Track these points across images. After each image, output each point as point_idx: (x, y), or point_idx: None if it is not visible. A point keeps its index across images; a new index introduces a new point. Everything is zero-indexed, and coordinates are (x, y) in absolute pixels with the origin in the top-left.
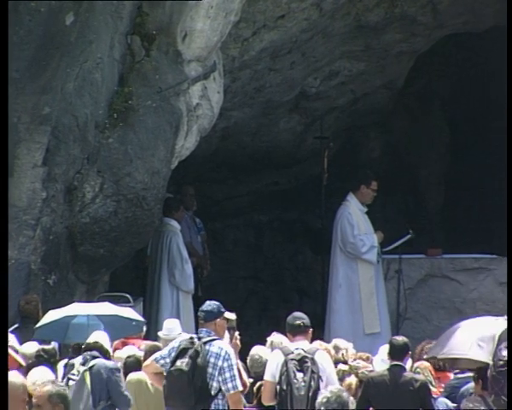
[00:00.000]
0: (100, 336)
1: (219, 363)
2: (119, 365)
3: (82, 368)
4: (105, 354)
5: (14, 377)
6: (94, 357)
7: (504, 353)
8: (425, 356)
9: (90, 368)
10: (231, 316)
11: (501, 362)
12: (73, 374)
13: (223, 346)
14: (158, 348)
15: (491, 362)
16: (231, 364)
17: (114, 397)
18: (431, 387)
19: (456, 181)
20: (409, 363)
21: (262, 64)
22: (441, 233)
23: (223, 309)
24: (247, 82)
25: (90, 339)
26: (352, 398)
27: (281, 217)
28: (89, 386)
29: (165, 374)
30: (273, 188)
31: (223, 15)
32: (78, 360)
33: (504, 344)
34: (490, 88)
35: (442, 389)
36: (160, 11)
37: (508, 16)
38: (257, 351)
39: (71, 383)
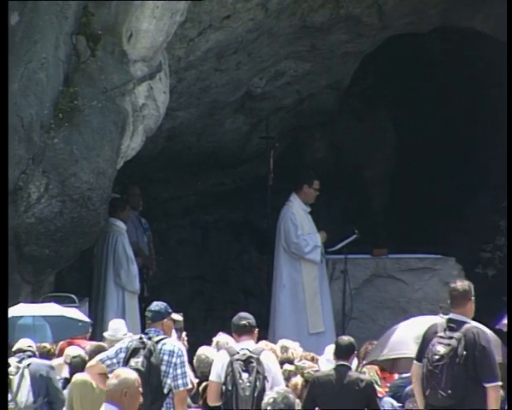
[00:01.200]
0: (28, 341)
1: (173, 360)
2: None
3: (20, 365)
4: (46, 354)
5: (128, 373)
6: (29, 356)
7: (439, 347)
8: (364, 362)
9: (28, 365)
10: (178, 317)
11: (436, 356)
12: (10, 372)
13: (175, 343)
14: (103, 349)
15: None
16: (183, 361)
17: (52, 395)
18: (376, 387)
19: (402, 181)
20: (354, 363)
21: (208, 64)
22: (387, 233)
23: (170, 310)
24: (193, 82)
25: (22, 343)
26: (297, 400)
27: (226, 217)
28: (28, 382)
29: (110, 375)
30: (219, 188)
31: (168, 15)
32: (13, 359)
33: (437, 339)
34: (435, 88)
35: (387, 389)
36: (105, 11)
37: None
38: (203, 351)
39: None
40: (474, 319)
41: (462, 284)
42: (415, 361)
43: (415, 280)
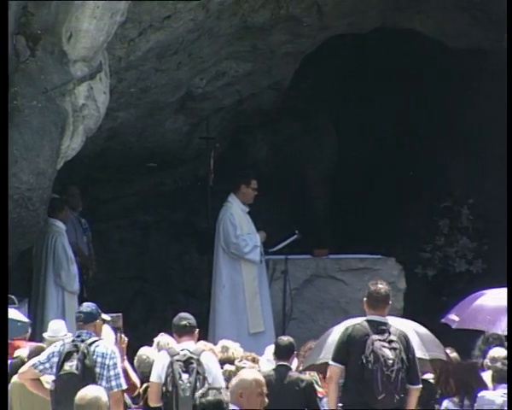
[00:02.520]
0: None
1: (106, 362)
2: None
3: None
4: None
5: (246, 374)
6: None
7: (387, 352)
8: (301, 368)
9: None
10: (107, 317)
11: (390, 361)
12: None
13: (108, 345)
14: (43, 350)
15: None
16: (116, 362)
17: None
18: (317, 387)
19: (343, 181)
20: (294, 363)
21: (148, 64)
22: (327, 234)
23: (100, 311)
24: (133, 82)
25: None
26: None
27: (167, 217)
28: None
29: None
30: (159, 188)
31: (108, 16)
32: None
33: (380, 343)
34: (375, 88)
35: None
36: (45, 11)
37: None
38: (144, 352)
39: None
40: (412, 319)
41: (383, 286)
42: (334, 363)
43: (355, 280)
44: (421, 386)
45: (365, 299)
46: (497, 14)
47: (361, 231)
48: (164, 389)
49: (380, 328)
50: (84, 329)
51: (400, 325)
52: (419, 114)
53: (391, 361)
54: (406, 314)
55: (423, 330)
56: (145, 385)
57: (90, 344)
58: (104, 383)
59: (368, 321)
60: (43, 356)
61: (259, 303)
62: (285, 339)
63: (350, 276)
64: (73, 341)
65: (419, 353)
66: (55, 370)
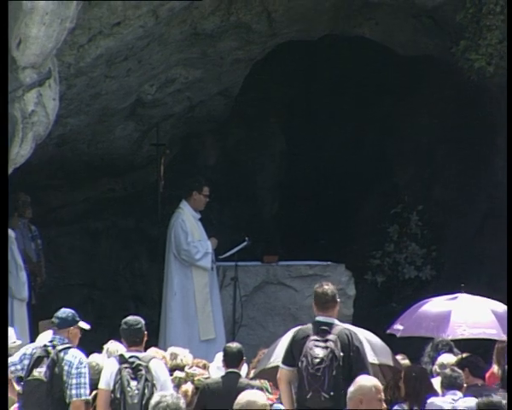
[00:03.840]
0: None
1: (71, 370)
2: None
3: None
4: None
5: (366, 380)
6: None
7: (317, 351)
8: (252, 375)
9: None
10: (86, 326)
11: (317, 360)
12: None
13: (77, 354)
14: None
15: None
16: (81, 371)
17: None
18: (267, 393)
19: (292, 188)
20: (244, 369)
21: (98, 71)
22: (277, 240)
23: (78, 318)
24: (83, 89)
25: None
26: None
27: (117, 224)
28: None
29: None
30: (109, 195)
31: (58, 22)
32: None
33: (313, 343)
34: (324, 95)
35: (278, 396)
36: None
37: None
38: (94, 359)
39: None
40: (362, 326)
41: (329, 287)
42: (283, 365)
43: (305, 287)
44: None
45: (314, 301)
46: (446, 22)
47: (311, 238)
48: (112, 396)
49: (321, 328)
50: (58, 334)
51: None
52: (367, 121)
53: (317, 360)
54: (356, 321)
55: (372, 336)
56: (94, 392)
57: (60, 351)
58: (69, 391)
59: (314, 322)
60: (15, 357)
61: (210, 310)
62: (233, 346)
63: (300, 282)
64: (45, 345)
65: (369, 358)
66: (25, 373)
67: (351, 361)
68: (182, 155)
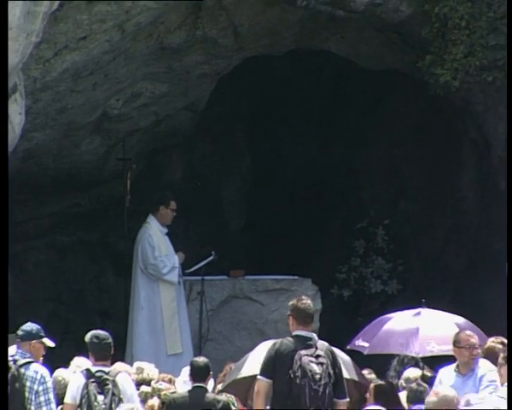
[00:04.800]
0: None
1: (35, 387)
2: None
3: None
4: None
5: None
6: None
7: (314, 367)
8: (219, 387)
9: None
10: (50, 343)
11: (317, 376)
12: None
13: (38, 369)
14: None
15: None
16: (46, 387)
17: None
18: (233, 407)
19: (259, 202)
20: (211, 384)
21: (64, 85)
22: (244, 255)
23: (42, 333)
24: (49, 103)
25: None
26: None
27: (83, 239)
28: None
29: None
30: (75, 209)
31: (24, 36)
32: None
33: (308, 358)
34: (291, 110)
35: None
36: None
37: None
38: (60, 373)
39: None
40: (329, 340)
41: (309, 302)
42: (262, 377)
43: (271, 301)
44: (347, 400)
45: (292, 315)
46: (412, 36)
47: (277, 252)
48: None
49: (307, 343)
50: (20, 348)
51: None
52: (334, 135)
53: (318, 376)
54: (322, 335)
55: (339, 351)
56: (60, 407)
57: (21, 366)
58: (33, 408)
59: (295, 336)
60: None
61: (177, 324)
62: (200, 360)
63: (266, 297)
64: None
65: None
66: None
67: (336, 378)
68: (148, 170)
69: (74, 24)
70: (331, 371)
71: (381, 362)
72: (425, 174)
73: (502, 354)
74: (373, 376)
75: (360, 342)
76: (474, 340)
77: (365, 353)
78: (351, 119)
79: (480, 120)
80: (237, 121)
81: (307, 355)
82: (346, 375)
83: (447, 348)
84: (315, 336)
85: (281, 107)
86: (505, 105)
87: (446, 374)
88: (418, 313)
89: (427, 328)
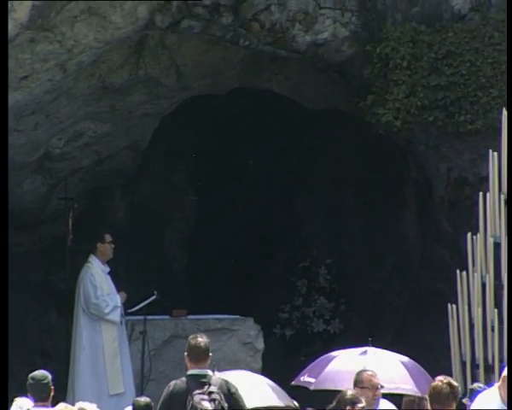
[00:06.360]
0: None
1: None
2: None
3: None
4: None
5: None
6: None
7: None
8: None
9: None
10: None
11: None
12: None
13: None
14: None
15: None
16: None
17: None
18: None
19: (201, 242)
20: None
21: None
22: (186, 294)
23: None
24: None
25: None
26: None
27: (25, 278)
28: None
29: None
30: (17, 249)
31: None
32: None
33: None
34: (234, 149)
35: None
36: None
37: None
38: None
39: None
40: (270, 379)
41: (203, 339)
42: None
43: (213, 341)
44: None
45: (186, 354)
46: (354, 76)
47: (220, 291)
48: None
49: (200, 381)
50: None
51: (254, 380)
52: (276, 174)
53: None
54: (264, 375)
55: (272, 383)
56: None
57: None
58: None
59: (189, 376)
60: None
61: (120, 364)
62: (142, 400)
63: (209, 336)
64: None
65: (274, 401)
66: None
67: (230, 408)
68: (90, 209)
69: (16, 63)
70: (225, 406)
71: (328, 397)
72: (368, 213)
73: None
74: None
75: (306, 378)
76: (377, 380)
77: (311, 388)
78: (294, 158)
79: (422, 159)
80: (180, 160)
81: (199, 393)
82: (278, 403)
83: (394, 387)
84: (209, 372)
85: (224, 146)
86: (447, 145)
87: None
88: (365, 352)
89: (374, 367)
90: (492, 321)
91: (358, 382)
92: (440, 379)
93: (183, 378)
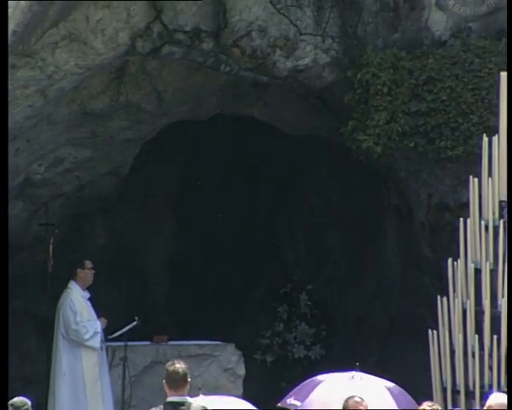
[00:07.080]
0: None
1: None
2: None
3: None
4: None
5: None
6: None
7: None
8: None
9: None
10: None
11: None
12: None
13: None
14: None
15: None
16: None
17: None
18: None
19: (182, 268)
20: None
21: None
22: (167, 320)
23: None
24: None
25: None
26: None
27: None
28: None
29: None
30: None
31: None
32: None
33: None
34: (215, 175)
35: None
36: None
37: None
38: None
39: None
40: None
41: (180, 366)
42: None
43: (195, 367)
44: None
45: (164, 381)
46: (335, 102)
47: (201, 317)
48: None
49: (179, 409)
50: None
51: (232, 402)
52: (257, 200)
53: None
54: (247, 399)
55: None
56: None
57: None
58: None
59: (168, 403)
60: None
61: (100, 390)
62: None
63: (190, 362)
64: None
65: None
66: None
67: None
68: (71, 235)
69: None
70: None
71: None
72: (348, 239)
73: None
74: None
75: (292, 401)
76: (362, 407)
77: None
78: (274, 184)
79: (403, 185)
80: (161, 186)
81: None
82: None
83: None
84: (188, 399)
85: (205, 171)
86: (427, 171)
87: None
88: (352, 377)
89: (359, 392)
90: (473, 347)
91: (345, 409)
92: (429, 404)
93: (161, 406)
